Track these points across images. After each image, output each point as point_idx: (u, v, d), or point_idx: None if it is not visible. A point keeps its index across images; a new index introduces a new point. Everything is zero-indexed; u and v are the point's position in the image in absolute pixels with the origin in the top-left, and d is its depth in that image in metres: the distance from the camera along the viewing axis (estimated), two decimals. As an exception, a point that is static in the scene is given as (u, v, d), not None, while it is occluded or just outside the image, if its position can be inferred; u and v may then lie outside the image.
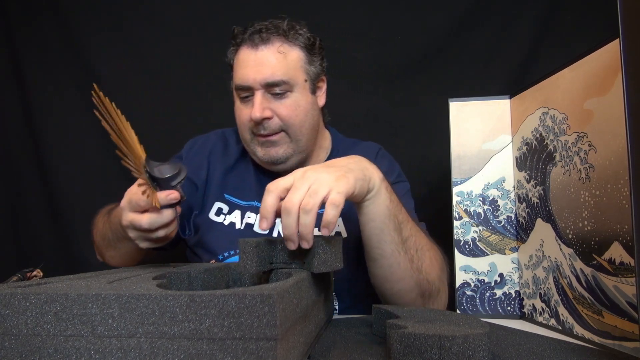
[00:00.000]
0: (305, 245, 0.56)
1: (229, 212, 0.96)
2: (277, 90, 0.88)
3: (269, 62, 0.88)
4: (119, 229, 0.75)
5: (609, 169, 0.63)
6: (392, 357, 0.49)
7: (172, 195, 0.65)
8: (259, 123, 0.89)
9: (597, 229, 0.65)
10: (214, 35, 1.11)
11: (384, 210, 0.68)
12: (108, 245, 0.87)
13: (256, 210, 0.95)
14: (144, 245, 0.71)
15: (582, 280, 0.69)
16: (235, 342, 0.39)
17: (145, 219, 0.66)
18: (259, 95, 0.88)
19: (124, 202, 0.68)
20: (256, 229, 0.93)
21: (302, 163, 0.96)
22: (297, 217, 0.56)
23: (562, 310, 0.74)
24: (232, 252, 0.92)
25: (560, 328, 0.75)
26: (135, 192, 0.66)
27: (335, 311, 0.89)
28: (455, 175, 0.92)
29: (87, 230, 0.98)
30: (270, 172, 0.96)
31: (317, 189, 0.57)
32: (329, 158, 1.00)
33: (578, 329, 0.70)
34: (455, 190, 0.92)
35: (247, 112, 0.90)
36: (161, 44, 1.48)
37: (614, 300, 0.62)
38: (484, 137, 0.92)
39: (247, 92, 0.90)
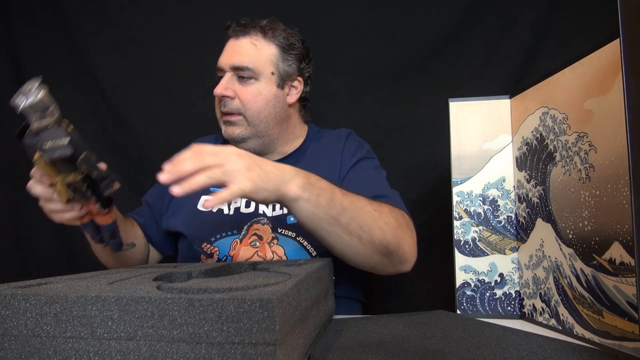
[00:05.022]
0: (177, 192, 0.62)
1: None
2: (243, 74, 0.98)
3: (241, 50, 0.99)
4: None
5: (609, 169, 0.63)
6: None
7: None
8: (220, 100, 0.99)
9: (597, 229, 0.65)
10: (215, 36, 1.11)
11: (309, 214, 0.73)
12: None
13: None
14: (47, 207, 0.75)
15: (582, 280, 0.69)
16: (234, 347, 0.39)
17: (39, 192, 0.73)
18: (227, 76, 0.99)
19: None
20: (243, 210, 1.00)
21: (267, 146, 1.04)
22: (194, 169, 0.62)
23: (562, 310, 0.74)
24: (223, 234, 0.98)
25: (560, 328, 0.75)
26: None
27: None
28: (455, 175, 0.92)
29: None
30: None
31: (231, 174, 0.63)
32: (301, 146, 1.09)
33: (578, 329, 0.70)
34: (455, 190, 0.92)
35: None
36: (161, 44, 1.48)
37: (614, 300, 0.62)
38: (484, 137, 0.91)
39: (221, 73, 1.00)
